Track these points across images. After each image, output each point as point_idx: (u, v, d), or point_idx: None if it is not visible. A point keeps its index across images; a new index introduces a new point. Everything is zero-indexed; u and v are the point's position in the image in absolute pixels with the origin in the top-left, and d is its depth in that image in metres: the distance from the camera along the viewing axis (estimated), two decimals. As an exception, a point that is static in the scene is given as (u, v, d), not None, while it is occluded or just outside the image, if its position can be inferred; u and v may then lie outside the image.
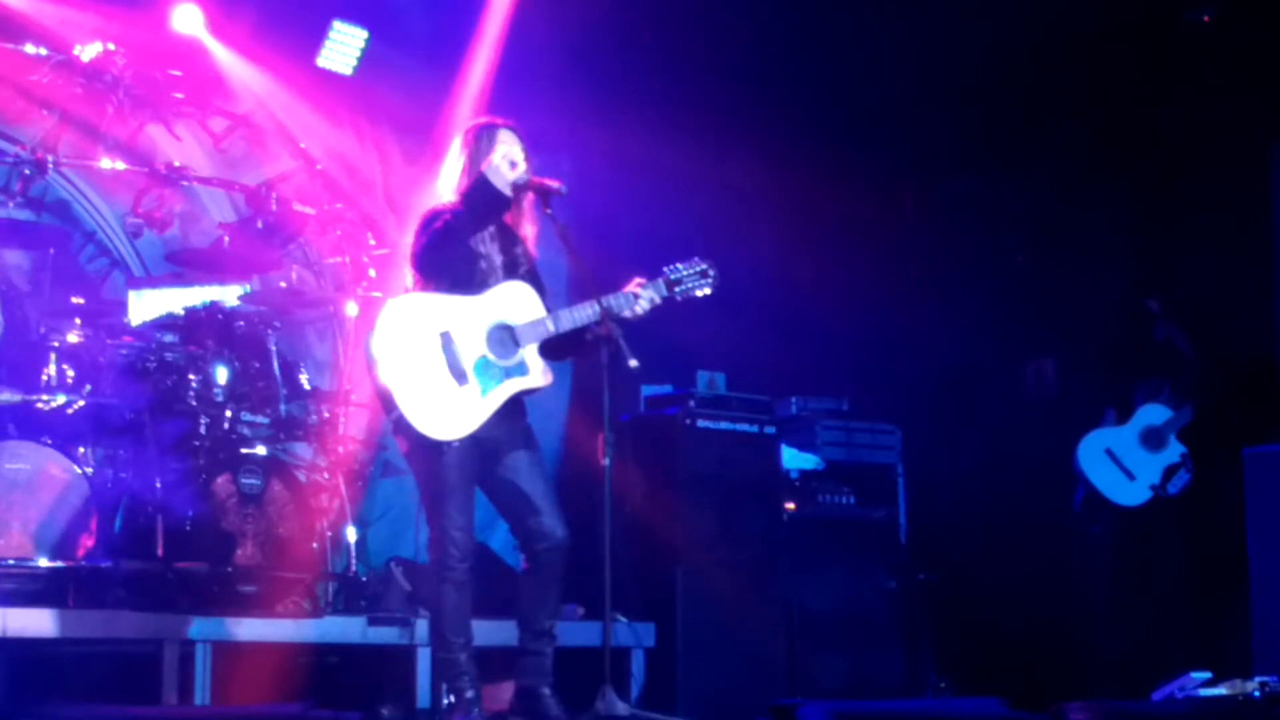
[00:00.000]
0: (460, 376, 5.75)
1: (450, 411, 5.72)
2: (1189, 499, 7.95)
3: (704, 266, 6.04)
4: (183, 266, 7.90)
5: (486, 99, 8.64)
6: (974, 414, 9.32)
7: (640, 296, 5.92)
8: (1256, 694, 6.35)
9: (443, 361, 5.75)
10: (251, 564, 6.76)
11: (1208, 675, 6.57)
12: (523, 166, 5.91)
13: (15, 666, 6.26)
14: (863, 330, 9.37)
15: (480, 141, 5.94)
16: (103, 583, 6.61)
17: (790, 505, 8.23)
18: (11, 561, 6.46)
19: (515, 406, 5.88)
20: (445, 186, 5.97)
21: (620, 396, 6.18)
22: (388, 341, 5.73)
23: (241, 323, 7.29)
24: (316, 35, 8.63)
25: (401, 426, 5.73)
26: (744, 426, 8.05)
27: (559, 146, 8.78)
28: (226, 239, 7.86)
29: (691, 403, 7.98)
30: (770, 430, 8.14)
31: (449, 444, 5.71)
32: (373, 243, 8.14)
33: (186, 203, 8.37)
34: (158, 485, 6.76)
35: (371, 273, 8.06)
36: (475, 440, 5.75)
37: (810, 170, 9.28)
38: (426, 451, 5.74)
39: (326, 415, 7.55)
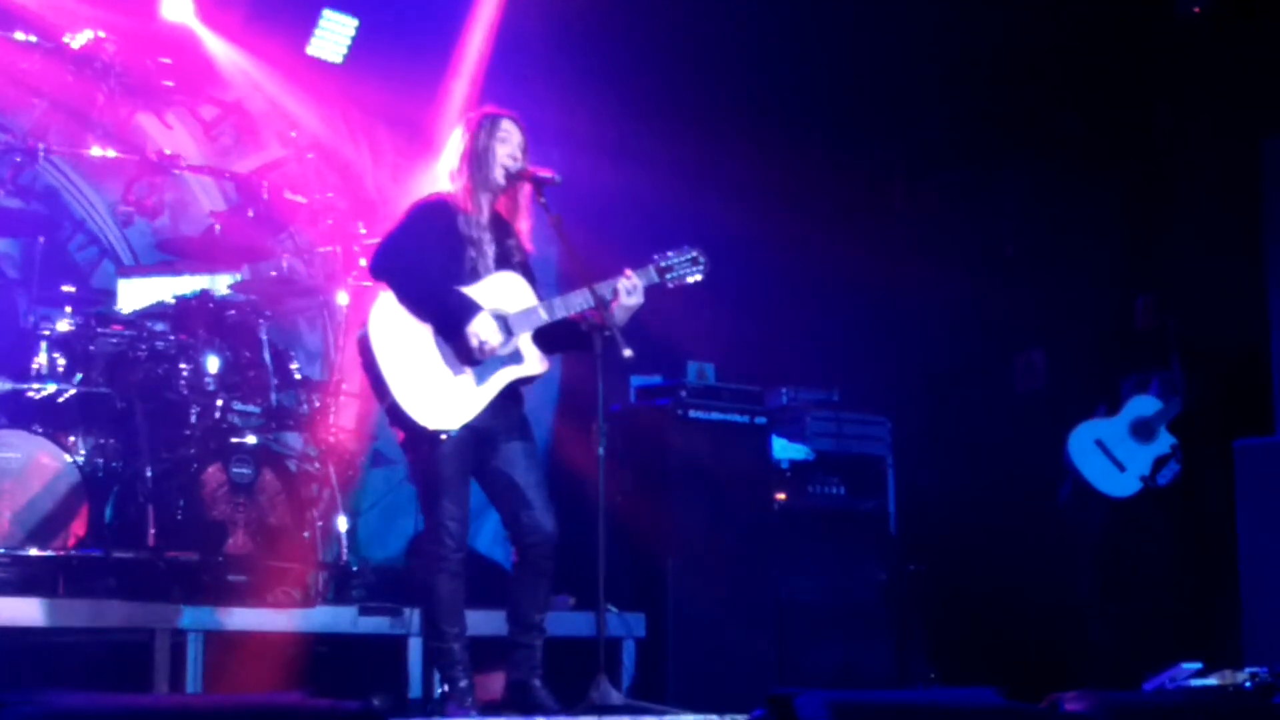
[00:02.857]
0: (455, 366, 5.74)
1: (446, 401, 5.70)
2: (1179, 490, 7.96)
3: (695, 253, 5.99)
4: (173, 255, 7.88)
5: (477, 89, 8.63)
6: (964, 405, 9.34)
7: (628, 285, 5.84)
8: (1247, 685, 6.36)
9: (437, 352, 5.74)
10: (242, 553, 6.74)
11: (1198, 666, 6.59)
12: (522, 158, 5.91)
13: (5, 656, 6.23)
14: (853, 321, 9.39)
15: (483, 130, 5.90)
16: (93, 572, 6.59)
17: (780, 496, 8.23)
18: (1, 550, 6.44)
19: (511, 395, 5.86)
20: (444, 173, 5.94)
21: (610, 387, 6.14)
22: (382, 333, 5.72)
23: (232, 311, 7.26)
24: (306, 23, 8.62)
25: (397, 417, 5.71)
26: (734, 417, 8.04)
27: (550, 137, 8.75)
28: (217, 227, 7.85)
29: (682, 393, 7.97)
30: (760, 421, 8.12)
31: (445, 434, 5.70)
32: (363, 232, 8.09)
33: (177, 191, 8.35)
34: (148, 474, 6.74)
35: (362, 262, 7.95)
36: (471, 430, 5.73)
37: (800, 161, 9.28)
38: (422, 442, 5.71)
39: (318, 404, 7.54)
